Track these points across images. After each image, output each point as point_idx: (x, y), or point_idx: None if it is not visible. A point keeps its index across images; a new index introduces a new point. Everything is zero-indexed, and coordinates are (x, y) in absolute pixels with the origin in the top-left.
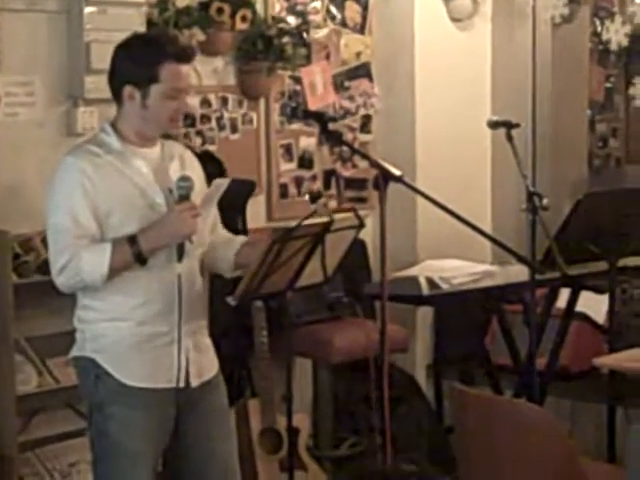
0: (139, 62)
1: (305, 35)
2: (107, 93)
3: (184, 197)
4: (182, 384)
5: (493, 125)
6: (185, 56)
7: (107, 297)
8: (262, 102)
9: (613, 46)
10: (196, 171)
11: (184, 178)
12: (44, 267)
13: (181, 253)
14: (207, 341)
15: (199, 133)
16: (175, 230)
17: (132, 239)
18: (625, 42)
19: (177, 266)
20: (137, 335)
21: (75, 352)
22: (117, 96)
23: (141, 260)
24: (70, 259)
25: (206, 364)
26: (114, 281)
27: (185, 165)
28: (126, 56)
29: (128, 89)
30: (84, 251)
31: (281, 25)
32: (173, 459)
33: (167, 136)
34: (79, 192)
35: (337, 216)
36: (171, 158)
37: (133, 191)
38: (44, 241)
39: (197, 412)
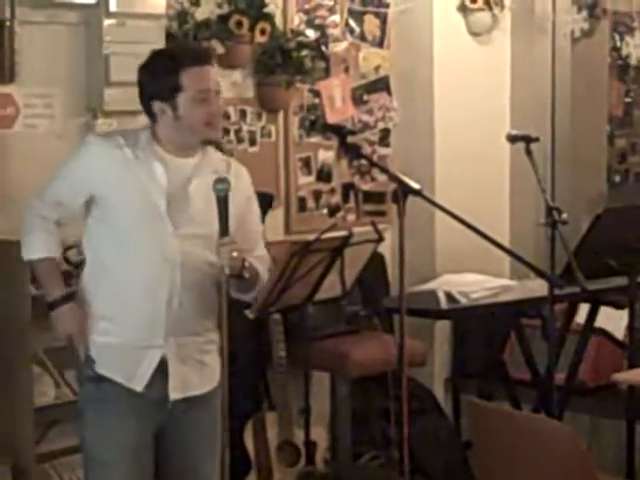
0: (159, 76)
1: (324, 48)
2: (126, 105)
3: (222, 199)
4: (154, 394)
5: (512, 139)
6: (202, 58)
7: (98, 295)
8: (281, 115)
9: (633, 61)
10: (239, 183)
11: (220, 180)
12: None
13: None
14: (205, 359)
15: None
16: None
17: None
18: None
19: (176, 277)
20: (118, 336)
21: None
22: (150, 114)
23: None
24: (36, 214)
25: (194, 380)
26: (103, 282)
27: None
28: (147, 73)
29: (157, 105)
30: (38, 230)
31: (300, 38)
32: (156, 471)
33: (209, 143)
34: (82, 171)
35: (356, 230)
36: (199, 174)
37: (136, 190)
38: (63, 253)
39: (180, 426)
